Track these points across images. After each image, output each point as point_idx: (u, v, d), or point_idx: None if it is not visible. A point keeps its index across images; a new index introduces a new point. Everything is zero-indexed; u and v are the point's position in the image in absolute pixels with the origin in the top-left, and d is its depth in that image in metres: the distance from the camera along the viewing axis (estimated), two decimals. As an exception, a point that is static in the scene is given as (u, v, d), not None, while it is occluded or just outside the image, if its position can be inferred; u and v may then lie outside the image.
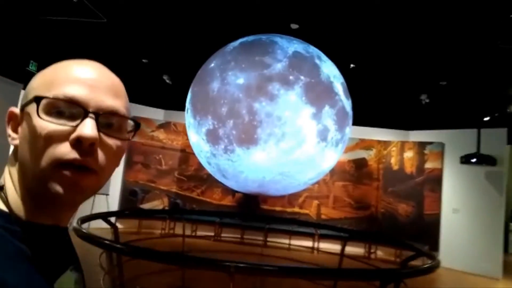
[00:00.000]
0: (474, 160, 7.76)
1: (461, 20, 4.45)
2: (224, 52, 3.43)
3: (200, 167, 8.73)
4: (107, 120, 0.60)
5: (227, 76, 3.19)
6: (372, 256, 8.24)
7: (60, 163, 0.55)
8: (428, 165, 8.39)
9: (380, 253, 8.40)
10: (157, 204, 8.62)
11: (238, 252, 5.12)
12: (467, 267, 7.60)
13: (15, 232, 0.56)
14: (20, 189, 0.60)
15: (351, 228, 8.28)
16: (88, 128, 0.55)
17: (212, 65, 3.41)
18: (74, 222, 2.69)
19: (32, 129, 0.57)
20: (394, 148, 8.80)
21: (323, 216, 8.78)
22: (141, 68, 7.43)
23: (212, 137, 3.26)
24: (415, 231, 8.26)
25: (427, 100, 8.32)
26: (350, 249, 8.27)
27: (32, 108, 0.57)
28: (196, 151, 3.63)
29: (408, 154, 8.63)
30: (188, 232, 8.36)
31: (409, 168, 8.56)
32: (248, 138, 3.12)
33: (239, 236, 8.19)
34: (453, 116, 7.99)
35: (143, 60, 7.09)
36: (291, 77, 3.11)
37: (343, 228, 7.25)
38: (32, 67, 6.89)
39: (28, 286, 0.52)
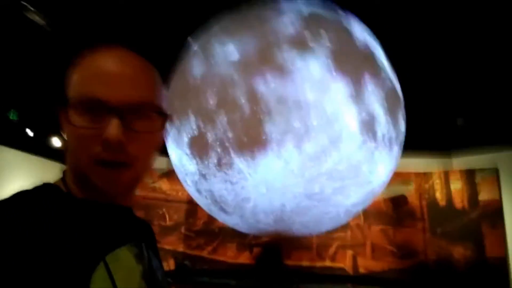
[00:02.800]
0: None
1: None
2: (210, 26, 2.41)
3: (210, 219, 7.49)
4: (134, 112, 0.60)
5: (213, 53, 2.13)
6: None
7: (95, 162, 0.60)
8: (483, 196, 6.94)
9: (438, 311, 6.71)
10: (161, 268, 7.30)
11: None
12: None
13: (69, 207, 0.60)
14: (72, 174, 0.65)
15: (400, 280, 6.70)
16: (112, 129, 0.57)
17: (193, 45, 2.37)
18: None
19: (67, 131, 0.63)
20: (437, 180, 7.43)
21: (361, 270, 7.23)
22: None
23: (199, 147, 2.13)
24: (478, 280, 6.63)
25: (463, 124, 7.19)
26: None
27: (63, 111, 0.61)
28: (180, 176, 2.48)
29: (456, 185, 7.22)
30: (199, 300, 6.95)
31: (460, 202, 7.12)
32: (252, 141, 1.98)
33: (261, 301, 6.67)
34: (504, 134, 6.70)
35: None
36: (311, 44, 2.03)
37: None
38: (12, 116, 6.09)
39: (69, 255, 0.53)
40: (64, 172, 0.68)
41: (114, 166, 0.60)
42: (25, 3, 3.55)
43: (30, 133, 7.24)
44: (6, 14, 3.72)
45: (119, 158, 0.60)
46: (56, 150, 8.81)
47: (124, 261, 0.63)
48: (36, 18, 3.72)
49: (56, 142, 8.75)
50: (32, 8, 3.54)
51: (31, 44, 4.42)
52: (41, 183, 0.65)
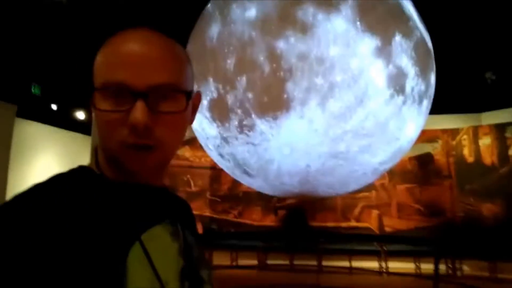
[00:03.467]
0: None
1: None
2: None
3: (234, 184, 7.59)
4: (159, 94, 0.60)
5: (230, 12, 2.03)
6: (458, 273, 6.54)
7: (124, 145, 0.59)
8: (513, 151, 6.71)
9: (466, 268, 6.69)
10: (189, 232, 7.52)
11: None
12: None
13: (103, 188, 0.62)
14: (103, 156, 0.65)
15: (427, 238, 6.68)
16: (138, 113, 0.57)
17: (209, 6, 2.27)
18: None
19: (94, 115, 0.62)
20: (465, 136, 7.19)
21: (387, 229, 7.23)
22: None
23: (219, 110, 2.08)
24: (508, 237, 6.52)
25: (493, 77, 6.83)
26: (425, 266, 6.68)
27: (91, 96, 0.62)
28: (202, 141, 2.45)
29: (485, 141, 6.98)
30: (227, 262, 7.15)
31: (489, 158, 6.91)
32: (273, 101, 1.91)
33: (288, 262, 6.82)
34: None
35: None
36: (332, -7, 1.90)
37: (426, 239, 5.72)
38: (35, 91, 6.17)
39: (103, 235, 0.55)
40: (96, 154, 0.68)
41: (142, 148, 0.59)
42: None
43: (54, 107, 7.37)
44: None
45: (147, 141, 0.59)
46: (81, 122, 8.99)
47: (160, 239, 0.63)
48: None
49: (80, 115, 8.91)
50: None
51: (49, 19, 4.38)
52: (76, 166, 0.67)
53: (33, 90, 6.00)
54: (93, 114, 0.63)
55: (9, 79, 5.73)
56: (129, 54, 0.60)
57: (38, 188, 0.58)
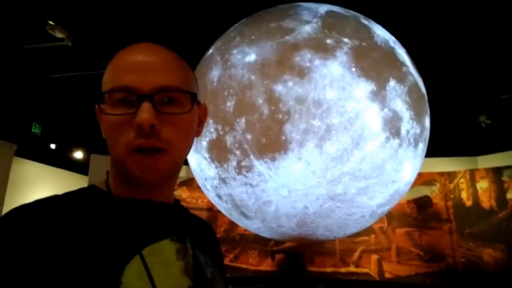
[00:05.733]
0: None
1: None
2: (227, 33, 2.39)
3: (231, 226, 7.49)
4: (165, 97, 0.61)
5: (230, 57, 2.11)
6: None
7: (131, 149, 0.59)
8: (511, 194, 6.69)
9: (470, 317, 6.44)
10: (184, 276, 7.28)
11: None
12: None
13: (106, 204, 0.62)
14: (113, 171, 0.66)
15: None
16: (144, 112, 0.58)
17: (210, 51, 2.36)
18: None
19: (103, 123, 0.63)
20: (462, 180, 7.20)
21: (387, 275, 7.03)
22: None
23: (218, 151, 2.10)
24: (510, 284, 6.35)
25: (488, 121, 6.97)
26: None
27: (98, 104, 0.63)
28: (200, 181, 2.45)
29: (482, 185, 6.98)
30: (222, 308, 6.85)
31: (487, 201, 6.87)
32: (271, 142, 1.94)
33: (285, 308, 6.56)
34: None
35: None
36: (328, 41, 1.99)
37: None
38: (35, 130, 6.23)
39: (99, 248, 0.55)
40: (107, 174, 0.69)
41: (149, 152, 0.60)
42: (49, 22, 3.63)
43: (53, 146, 7.40)
44: (29, 29, 3.82)
45: (153, 143, 0.59)
46: (78, 162, 8.97)
47: (162, 255, 0.62)
48: (58, 34, 3.80)
49: (78, 155, 8.91)
50: (53, 23, 3.61)
51: (54, 59, 4.52)
52: (88, 185, 0.69)
53: (33, 129, 6.05)
54: (102, 126, 0.65)
55: (11, 118, 5.80)
56: (133, 61, 0.62)
57: (40, 203, 0.59)
